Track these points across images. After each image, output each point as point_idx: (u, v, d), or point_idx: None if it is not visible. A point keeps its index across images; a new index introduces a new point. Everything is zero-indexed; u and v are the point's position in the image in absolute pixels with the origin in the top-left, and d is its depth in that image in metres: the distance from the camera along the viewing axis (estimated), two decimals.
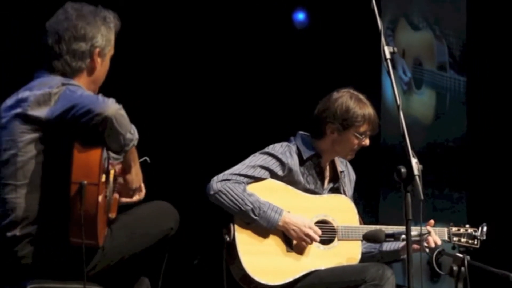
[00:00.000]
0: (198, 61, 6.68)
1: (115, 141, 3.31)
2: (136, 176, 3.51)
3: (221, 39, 6.73)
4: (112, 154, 3.36)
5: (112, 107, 3.26)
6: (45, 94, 3.38)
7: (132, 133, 3.34)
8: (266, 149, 4.63)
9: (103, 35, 3.55)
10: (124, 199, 3.67)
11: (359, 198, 4.73)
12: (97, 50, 3.54)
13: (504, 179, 7.42)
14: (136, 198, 3.69)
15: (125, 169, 3.48)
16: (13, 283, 3.42)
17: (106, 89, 3.60)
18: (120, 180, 3.55)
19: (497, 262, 4.50)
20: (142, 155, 3.69)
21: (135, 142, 3.37)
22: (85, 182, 3.27)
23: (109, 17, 3.59)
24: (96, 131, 3.26)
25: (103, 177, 3.36)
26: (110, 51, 3.61)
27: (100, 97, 3.33)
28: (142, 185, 3.71)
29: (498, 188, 7.37)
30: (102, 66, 3.59)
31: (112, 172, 3.48)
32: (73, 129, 3.29)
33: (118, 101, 3.33)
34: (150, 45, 6.48)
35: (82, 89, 3.44)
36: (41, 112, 3.37)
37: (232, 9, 6.73)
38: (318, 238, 4.50)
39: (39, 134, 3.38)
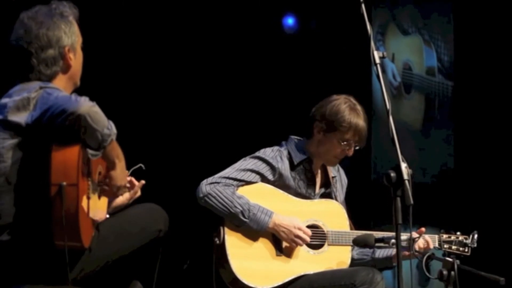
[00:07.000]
0: (190, 65, 6.68)
1: (93, 138, 3.30)
2: (121, 173, 3.48)
3: (211, 44, 6.73)
4: (90, 151, 3.33)
5: (84, 105, 3.25)
6: (23, 99, 3.37)
7: (109, 129, 3.32)
8: (256, 153, 4.62)
9: (66, 32, 3.53)
10: (114, 202, 3.67)
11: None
12: (67, 48, 3.52)
13: (492, 181, 7.47)
14: (128, 196, 3.69)
15: (109, 166, 3.46)
16: None
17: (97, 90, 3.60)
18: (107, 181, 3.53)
19: (487, 267, 4.51)
20: (134, 159, 3.69)
21: (113, 137, 3.34)
22: (64, 183, 3.27)
23: (65, 11, 3.55)
24: (73, 130, 3.26)
25: (85, 178, 3.35)
26: (78, 41, 3.59)
27: (73, 96, 3.33)
28: (137, 183, 3.71)
29: (486, 194, 7.41)
30: (76, 60, 3.57)
31: (96, 172, 3.47)
32: (51, 131, 3.29)
33: (110, 103, 3.33)
34: (139, 49, 6.47)
35: (59, 91, 3.42)
36: (20, 118, 3.36)
37: (222, 14, 6.73)
38: (308, 239, 4.49)
39: (20, 139, 3.37)
